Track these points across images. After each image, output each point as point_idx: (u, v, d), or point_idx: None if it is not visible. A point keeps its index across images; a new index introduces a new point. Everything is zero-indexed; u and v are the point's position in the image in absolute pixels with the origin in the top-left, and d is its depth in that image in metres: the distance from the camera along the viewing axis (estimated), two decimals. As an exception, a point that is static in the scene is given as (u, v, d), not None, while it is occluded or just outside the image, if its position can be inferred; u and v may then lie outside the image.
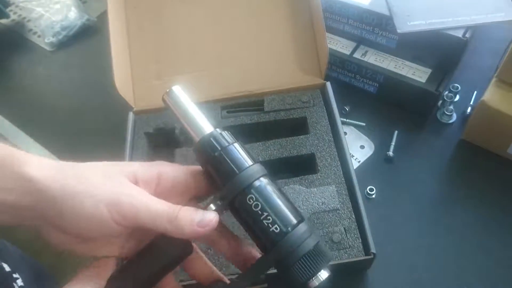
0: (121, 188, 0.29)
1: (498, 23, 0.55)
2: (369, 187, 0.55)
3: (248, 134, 0.56)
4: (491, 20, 0.55)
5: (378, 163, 0.59)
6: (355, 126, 0.62)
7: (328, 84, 0.57)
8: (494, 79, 0.54)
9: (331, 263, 0.43)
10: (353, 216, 0.47)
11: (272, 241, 0.29)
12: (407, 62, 0.61)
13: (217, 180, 0.31)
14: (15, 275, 0.46)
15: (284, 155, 0.53)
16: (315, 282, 0.29)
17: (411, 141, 0.60)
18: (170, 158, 0.55)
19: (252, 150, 0.53)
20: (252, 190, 0.30)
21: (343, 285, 0.48)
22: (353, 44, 0.64)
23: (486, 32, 0.69)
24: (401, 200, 0.55)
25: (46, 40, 0.81)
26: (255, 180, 0.30)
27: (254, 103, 0.58)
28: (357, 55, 0.63)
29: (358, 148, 0.60)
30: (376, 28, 0.60)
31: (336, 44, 0.65)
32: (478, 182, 0.56)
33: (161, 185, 0.31)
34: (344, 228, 0.46)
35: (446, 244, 0.51)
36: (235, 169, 0.30)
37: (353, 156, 0.59)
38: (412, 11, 0.57)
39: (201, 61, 0.61)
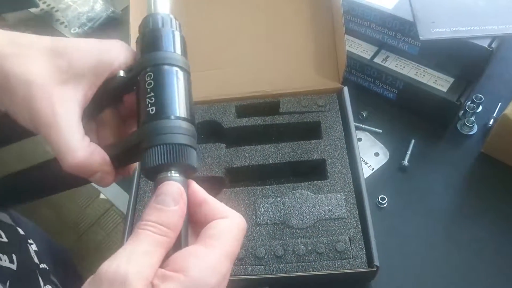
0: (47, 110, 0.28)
1: (528, 34, 0.52)
2: (380, 196, 0.54)
3: (261, 136, 0.56)
4: (520, 30, 0.52)
5: (392, 171, 0.57)
6: (371, 132, 0.61)
7: (345, 89, 0.56)
8: (519, 92, 0.52)
9: (333, 270, 0.43)
10: (359, 226, 0.46)
11: (143, 121, 0.29)
12: (429, 70, 0.59)
13: (139, 53, 0.32)
14: (29, 241, 0.47)
15: (294, 159, 0.52)
16: (163, 176, 0.28)
17: (428, 151, 0.59)
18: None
19: (263, 152, 0.53)
20: (156, 69, 0.30)
21: (345, 294, 0.48)
22: (374, 49, 0.63)
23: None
24: (413, 211, 0.54)
25: (72, 31, 0.82)
26: (167, 65, 0.30)
27: (269, 104, 0.58)
28: (377, 60, 0.62)
29: (373, 155, 0.59)
30: (398, 34, 0.59)
31: (357, 47, 0.63)
32: (495, 198, 0.54)
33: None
34: (349, 238, 0.45)
35: (457, 260, 0.50)
36: (157, 46, 0.30)
37: (366, 163, 0.58)
38: (437, 18, 0.55)
39: (220, 59, 0.61)
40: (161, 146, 0.28)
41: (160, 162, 0.27)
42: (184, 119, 0.29)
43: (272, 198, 0.49)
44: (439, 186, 0.55)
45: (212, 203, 0.28)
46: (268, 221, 0.47)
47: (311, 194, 0.49)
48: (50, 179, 0.34)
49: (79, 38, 0.82)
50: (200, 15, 0.61)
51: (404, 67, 0.60)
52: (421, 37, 0.54)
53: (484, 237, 0.51)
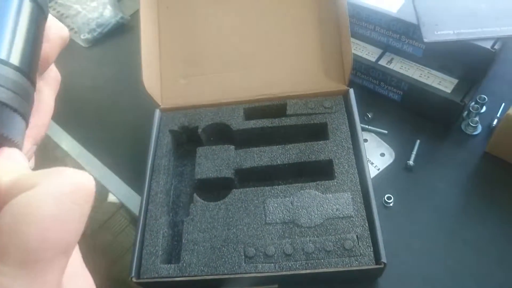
0: None
1: (530, 36, 0.53)
2: (387, 195, 0.55)
3: (269, 137, 0.57)
4: (522, 32, 0.53)
5: (398, 171, 0.58)
6: (377, 133, 0.62)
7: (351, 91, 0.57)
8: (522, 93, 0.53)
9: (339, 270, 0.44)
10: (366, 224, 0.47)
11: None
12: (433, 71, 0.60)
13: None
14: None
15: (302, 160, 0.53)
16: None
17: (433, 151, 0.60)
18: (193, 155, 0.57)
19: (271, 153, 0.54)
20: None
21: (353, 291, 0.49)
22: (379, 51, 0.64)
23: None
24: (419, 210, 0.55)
25: (82, 37, 0.84)
26: None
27: (276, 106, 0.59)
28: (382, 62, 0.63)
29: (378, 155, 0.60)
30: (403, 36, 0.60)
31: (362, 50, 0.65)
32: (500, 197, 0.55)
33: None
34: (357, 236, 0.46)
35: (462, 258, 0.51)
36: None
37: (372, 163, 0.59)
38: (441, 21, 0.56)
39: (227, 62, 0.62)
40: None
41: None
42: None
43: (281, 197, 0.50)
44: (444, 185, 0.56)
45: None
46: (277, 220, 0.49)
47: (319, 193, 0.50)
48: None
49: (86, 42, 0.84)
50: (207, 19, 0.63)
51: (408, 69, 0.61)
52: (425, 40, 0.55)
53: (489, 235, 0.52)
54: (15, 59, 0.19)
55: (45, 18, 0.22)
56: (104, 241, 1.63)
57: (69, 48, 0.88)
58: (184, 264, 0.47)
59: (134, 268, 0.47)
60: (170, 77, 0.63)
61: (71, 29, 0.88)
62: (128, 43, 0.83)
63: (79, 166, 0.68)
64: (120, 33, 0.85)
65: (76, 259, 0.19)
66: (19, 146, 0.19)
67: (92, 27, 0.84)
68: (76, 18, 0.86)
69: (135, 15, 0.87)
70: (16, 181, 0.17)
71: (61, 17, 0.91)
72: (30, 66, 0.20)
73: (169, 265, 0.48)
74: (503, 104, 0.62)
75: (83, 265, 0.20)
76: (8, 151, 0.19)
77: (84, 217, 0.17)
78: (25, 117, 0.20)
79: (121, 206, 1.75)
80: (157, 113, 0.60)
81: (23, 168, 0.19)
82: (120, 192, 0.63)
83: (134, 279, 0.47)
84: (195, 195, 0.53)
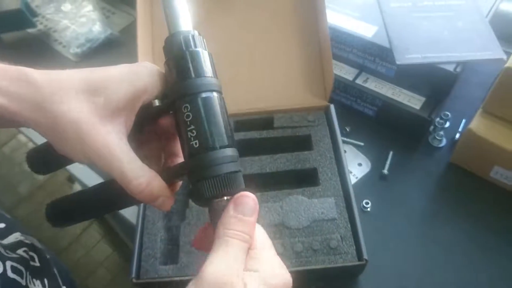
0: (104, 138, 0.30)
1: (486, 61, 0.61)
2: (364, 200, 0.61)
3: (258, 148, 0.62)
4: (479, 57, 0.61)
5: (374, 179, 0.64)
6: (354, 145, 0.68)
7: (332, 106, 0.63)
8: (480, 110, 0.60)
9: (323, 265, 0.49)
10: (349, 225, 0.52)
11: (189, 154, 0.30)
12: (404, 90, 0.67)
13: (171, 80, 0.32)
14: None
15: (289, 168, 0.58)
16: (218, 201, 0.31)
17: (404, 161, 0.66)
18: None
19: (261, 162, 0.59)
20: (192, 99, 0.30)
21: None
22: (356, 71, 0.71)
23: (476, 66, 0.76)
24: (394, 214, 0.61)
25: (71, 51, 0.87)
26: (203, 92, 0.31)
27: (264, 120, 0.64)
28: (359, 81, 0.70)
29: (356, 165, 0.66)
30: (377, 58, 0.67)
31: (340, 70, 0.71)
32: (462, 201, 0.62)
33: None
34: (340, 236, 0.51)
35: (433, 255, 0.57)
36: (191, 72, 0.31)
37: (351, 172, 0.65)
38: (410, 45, 0.63)
39: (220, 78, 0.67)
40: (215, 178, 0.30)
41: (216, 193, 0.30)
42: (227, 146, 0.30)
43: (271, 202, 0.55)
44: (415, 191, 0.63)
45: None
46: (269, 222, 0.53)
47: (306, 198, 0.55)
48: (111, 197, 0.35)
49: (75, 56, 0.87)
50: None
51: (382, 87, 0.68)
52: (397, 62, 0.62)
53: (454, 235, 0.58)
54: (231, 141, 0.31)
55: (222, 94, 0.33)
56: (76, 256, 1.61)
57: (59, 62, 0.90)
58: (182, 265, 0.51)
59: (134, 270, 0.50)
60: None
61: (59, 43, 0.91)
62: (117, 58, 0.85)
63: (74, 177, 0.70)
64: (109, 49, 0.88)
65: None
66: (243, 189, 0.32)
67: (82, 41, 0.87)
68: (65, 32, 0.89)
69: (124, 31, 0.91)
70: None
71: (49, 31, 0.93)
72: (233, 138, 0.31)
73: (168, 266, 0.51)
74: (464, 120, 0.69)
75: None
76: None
77: None
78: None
79: (93, 220, 1.74)
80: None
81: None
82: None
83: (134, 280, 0.50)
84: (190, 201, 0.56)
